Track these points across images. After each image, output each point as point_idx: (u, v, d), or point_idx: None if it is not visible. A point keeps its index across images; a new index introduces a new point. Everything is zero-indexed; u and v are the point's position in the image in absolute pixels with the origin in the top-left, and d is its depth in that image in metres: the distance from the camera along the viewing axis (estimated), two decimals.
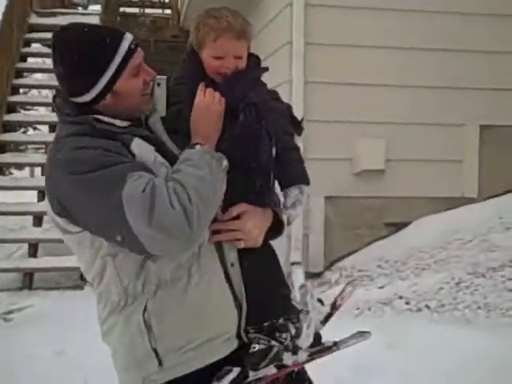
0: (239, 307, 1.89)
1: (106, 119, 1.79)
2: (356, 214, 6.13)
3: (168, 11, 10.49)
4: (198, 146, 1.76)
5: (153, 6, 10.83)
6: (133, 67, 1.82)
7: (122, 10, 10.51)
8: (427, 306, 4.57)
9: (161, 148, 1.83)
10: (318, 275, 5.92)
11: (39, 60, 12.69)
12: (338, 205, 6.10)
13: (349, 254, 6.07)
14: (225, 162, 1.76)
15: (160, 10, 10.82)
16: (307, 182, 2.08)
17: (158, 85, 1.95)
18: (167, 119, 1.95)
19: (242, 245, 1.89)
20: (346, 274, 5.66)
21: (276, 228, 2.02)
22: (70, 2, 12.87)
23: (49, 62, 12.99)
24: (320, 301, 2.22)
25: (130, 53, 1.80)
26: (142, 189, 1.60)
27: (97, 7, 11.95)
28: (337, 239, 6.12)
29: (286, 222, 2.07)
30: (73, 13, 11.04)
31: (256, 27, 7.28)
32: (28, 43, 9.82)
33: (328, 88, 5.96)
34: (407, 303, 4.69)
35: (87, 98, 1.80)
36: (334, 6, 6.00)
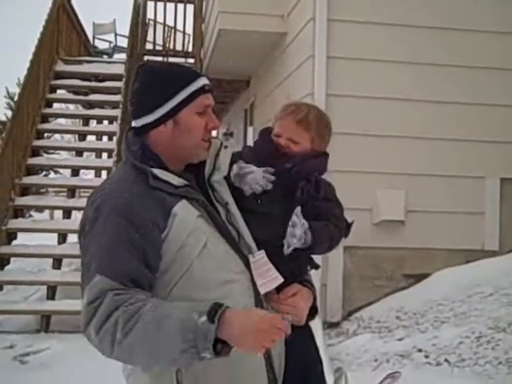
0: (274, 380, 1.88)
1: (162, 176, 1.80)
2: (375, 265, 6.10)
3: (191, 60, 10.69)
4: (203, 319, 1.53)
5: (176, 55, 11.01)
6: (199, 105, 1.87)
7: (146, 58, 10.70)
8: (447, 361, 4.49)
9: (210, 212, 1.84)
10: (335, 325, 5.86)
11: (63, 106, 12.92)
12: (356, 255, 6.08)
13: (367, 305, 6.01)
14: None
15: (183, 59, 11.01)
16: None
17: (225, 147, 1.99)
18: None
19: (289, 318, 1.91)
20: (363, 324, 5.60)
21: (312, 310, 2.07)
22: (96, 50, 13.15)
23: (72, 108, 13.22)
24: None
25: (200, 90, 1.87)
26: (93, 298, 1.66)
27: (122, 56, 12.17)
28: (355, 289, 6.08)
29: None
30: (98, 61, 11.25)
31: (280, 76, 7.40)
32: (54, 89, 10.01)
33: (349, 139, 6.00)
34: (426, 356, 4.61)
35: (150, 118, 1.84)
36: (354, 58, 6.12)
